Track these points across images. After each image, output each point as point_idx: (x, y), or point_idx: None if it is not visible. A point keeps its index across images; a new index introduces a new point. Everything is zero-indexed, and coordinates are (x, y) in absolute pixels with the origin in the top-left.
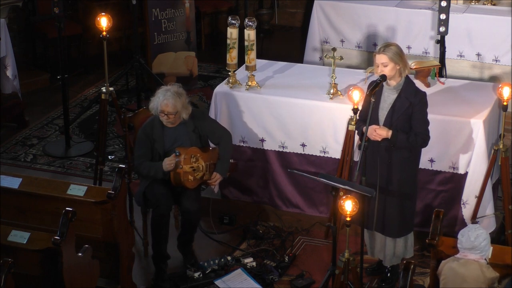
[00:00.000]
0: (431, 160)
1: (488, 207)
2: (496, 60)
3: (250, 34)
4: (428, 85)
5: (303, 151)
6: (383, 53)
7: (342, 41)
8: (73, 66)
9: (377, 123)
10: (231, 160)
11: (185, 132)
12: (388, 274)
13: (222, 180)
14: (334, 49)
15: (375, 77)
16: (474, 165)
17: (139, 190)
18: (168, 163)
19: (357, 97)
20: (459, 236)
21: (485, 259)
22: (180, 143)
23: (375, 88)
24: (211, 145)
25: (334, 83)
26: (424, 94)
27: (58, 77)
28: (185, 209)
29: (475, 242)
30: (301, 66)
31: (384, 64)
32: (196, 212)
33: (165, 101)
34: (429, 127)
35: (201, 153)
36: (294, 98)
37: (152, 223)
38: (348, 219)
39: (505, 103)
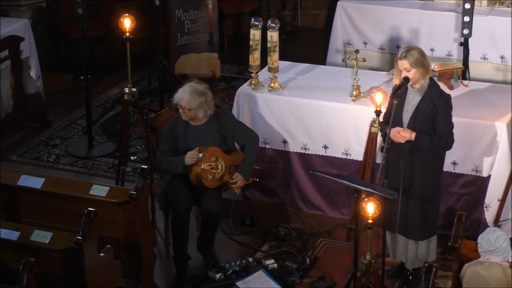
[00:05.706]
0: (454, 163)
1: (511, 211)
2: None
3: (273, 36)
4: (451, 88)
5: (325, 153)
6: (405, 58)
7: (365, 43)
8: (96, 67)
9: (401, 125)
10: (257, 167)
11: (209, 132)
12: (410, 277)
13: (245, 184)
14: (357, 51)
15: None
16: (497, 168)
17: (160, 191)
18: (190, 156)
19: (380, 99)
20: (478, 240)
21: (508, 261)
22: (202, 142)
23: (398, 90)
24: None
25: (357, 85)
26: (448, 96)
27: (81, 77)
28: (206, 210)
29: (495, 244)
30: (323, 67)
31: (406, 69)
32: (217, 213)
33: (182, 95)
34: (453, 130)
35: (222, 154)
36: (316, 100)
37: (172, 223)
38: (370, 221)
39: None
